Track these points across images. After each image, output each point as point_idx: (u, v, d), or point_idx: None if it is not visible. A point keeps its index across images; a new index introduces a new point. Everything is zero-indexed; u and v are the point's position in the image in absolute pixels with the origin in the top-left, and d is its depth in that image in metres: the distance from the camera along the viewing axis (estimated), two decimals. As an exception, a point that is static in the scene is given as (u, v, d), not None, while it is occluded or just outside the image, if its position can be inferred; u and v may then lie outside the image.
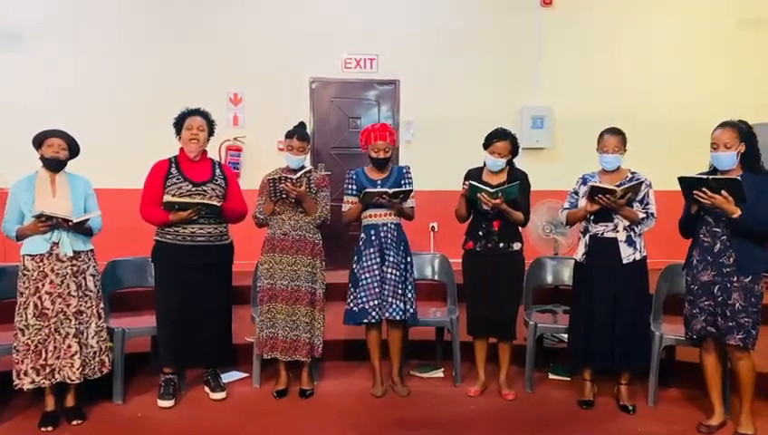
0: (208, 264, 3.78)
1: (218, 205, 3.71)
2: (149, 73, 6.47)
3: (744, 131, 3.31)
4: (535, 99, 6.86)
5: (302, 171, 3.82)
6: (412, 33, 6.81)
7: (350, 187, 4.00)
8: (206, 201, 3.68)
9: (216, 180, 3.84)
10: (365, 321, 3.92)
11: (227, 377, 4.20)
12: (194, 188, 3.74)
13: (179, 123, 3.82)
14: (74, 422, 3.54)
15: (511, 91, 6.86)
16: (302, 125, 4.03)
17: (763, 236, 3.27)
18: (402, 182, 3.96)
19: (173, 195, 3.67)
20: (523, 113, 6.82)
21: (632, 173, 3.72)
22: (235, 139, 6.59)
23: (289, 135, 3.94)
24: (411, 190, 3.88)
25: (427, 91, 6.78)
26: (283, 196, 3.82)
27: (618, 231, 3.65)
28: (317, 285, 3.95)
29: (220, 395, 3.93)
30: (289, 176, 3.78)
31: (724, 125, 3.35)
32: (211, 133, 3.88)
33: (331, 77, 6.78)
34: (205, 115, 3.85)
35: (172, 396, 3.83)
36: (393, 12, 6.81)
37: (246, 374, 4.27)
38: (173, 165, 3.80)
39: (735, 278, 3.30)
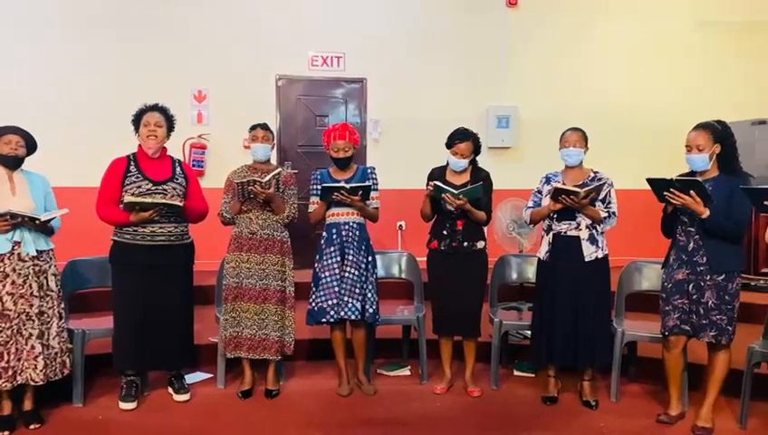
0: (168, 264, 3.71)
1: (180, 205, 3.65)
2: (109, 69, 6.33)
3: (719, 132, 3.35)
4: (501, 99, 6.92)
5: (271, 175, 3.78)
6: (379, 31, 6.80)
7: (314, 187, 3.98)
8: (168, 201, 3.61)
9: (177, 179, 3.77)
10: (323, 320, 3.90)
11: (191, 378, 4.14)
12: (154, 187, 3.67)
13: (137, 120, 3.75)
14: (32, 426, 3.45)
15: (477, 90, 6.90)
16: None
17: (735, 235, 3.34)
18: (366, 182, 3.95)
19: (132, 194, 3.61)
20: (489, 113, 6.88)
21: (594, 172, 3.78)
22: (199, 136, 6.50)
23: (252, 128, 3.97)
24: (370, 186, 3.86)
25: (394, 89, 6.78)
26: (251, 196, 3.79)
27: (580, 229, 3.71)
28: (287, 283, 3.93)
29: (184, 396, 3.87)
30: (258, 178, 3.74)
31: (698, 127, 3.39)
32: (171, 129, 3.82)
33: (297, 75, 6.74)
34: (163, 111, 3.78)
35: (134, 398, 3.76)
36: (360, 10, 6.79)
37: (211, 375, 4.22)
38: (132, 163, 3.72)
39: (709, 277, 3.36)
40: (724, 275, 3.35)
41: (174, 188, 3.72)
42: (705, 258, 3.37)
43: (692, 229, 3.41)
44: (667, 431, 3.51)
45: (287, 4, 6.66)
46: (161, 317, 3.70)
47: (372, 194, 3.91)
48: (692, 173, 3.45)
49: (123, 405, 3.72)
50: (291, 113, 6.74)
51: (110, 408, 3.73)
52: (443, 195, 3.76)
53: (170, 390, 3.93)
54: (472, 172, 3.96)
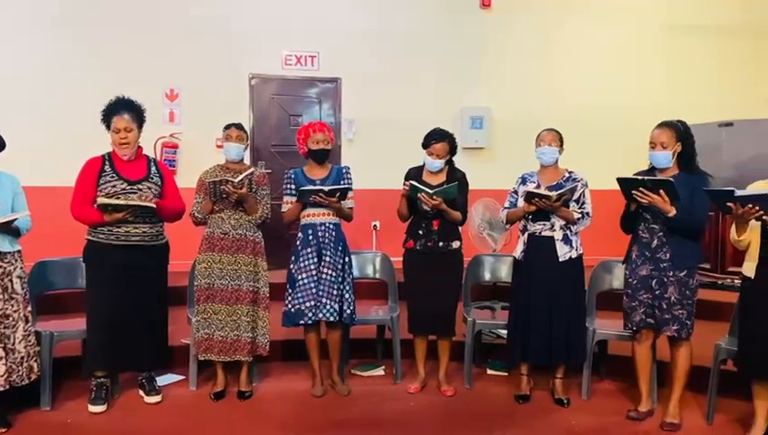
0: (143, 264, 3.66)
1: (153, 206, 3.60)
2: (80, 66, 6.22)
3: (680, 131, 3.46)
4: (475, 99, 6.97)
5: (244, 174, 3.75)
6: (354, 31, 6.79)
7: (288, 186, 3.96)
8: (141, 203, 3.56)
9: (152, 178, 3.72)
10: (301, 322, 3.89)
11: (163, 380, 4.09)
12: (128, 187, 3.62)
13: (107, 119, 3.68)
14: (-2, 431, 3.38)
15: (451, 91, 6.94)
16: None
17: (696, 232, 3.44)
18: (342, 182, 3.94)
19: (106, 194, 3.55)
20: (463, 114, 6.91)
21: (569, 172, 3.83)
22: (170, 135, 6.42)
23: (226, 127, 3.93)
24: (348, 188, 3.86)
25: (368, 89, 6.78)
26: (224, 196, 3.75)
27: (554, 230, 3.75)
28: (260, 284, 3.90)
29: (155, 399, 3.82)
30: (230, 178, 3.70)
31: (661, 125, 3.49)
32: (141, 124, 3.74)
33: (271, 74, 6.70)
34: (131, 109, 3.70)
35: (104, 401, 3.70)
36: (335, 10, 6.78)
37: (183, 377, 4.17)
38: (106, 162, 3.67)
39: (671, 273, 3.45)
40: (685, 271, 3.44)
41: (149, 188, 3.67)
42: (668, 255, 3.45)
43: (655, 226, 3.48)
44: (636, 428, 3.57)
45: (261, 3, 6.62)
46: (135, 318, 3.65)
47: (348, 194, 3.91)
48: (651, 170, 3.53)
49: (92, 408, 3.65)
50: (264, 113, 6.70)
51: (79, 411, 3.66)
52: (419, 194, 3.78)
53: (141, 392, 3.87)
54: (448, 172, 3.98)
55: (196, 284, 3.90)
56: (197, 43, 6.45)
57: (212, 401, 3.88)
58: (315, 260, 3.89)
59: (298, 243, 3.95)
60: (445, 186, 3.85)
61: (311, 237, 3.91)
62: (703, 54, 7.24)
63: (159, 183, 3.75)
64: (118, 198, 3.55)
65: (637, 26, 7.23)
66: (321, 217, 3.92)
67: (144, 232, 3.66)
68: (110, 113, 3.68)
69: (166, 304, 3.89)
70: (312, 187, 3.82)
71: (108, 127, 3.70)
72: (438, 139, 3.90)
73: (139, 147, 3.76)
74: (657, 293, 3.49)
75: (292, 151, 6.55)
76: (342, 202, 3.87)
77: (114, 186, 3.60)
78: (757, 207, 2.99)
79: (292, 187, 3.94)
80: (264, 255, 3.95)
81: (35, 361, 3.51)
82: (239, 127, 3.94)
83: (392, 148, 6.33)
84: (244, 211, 3.84)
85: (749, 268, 3.21)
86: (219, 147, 3.85)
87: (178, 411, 3.74)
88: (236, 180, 3.68)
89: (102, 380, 3.75)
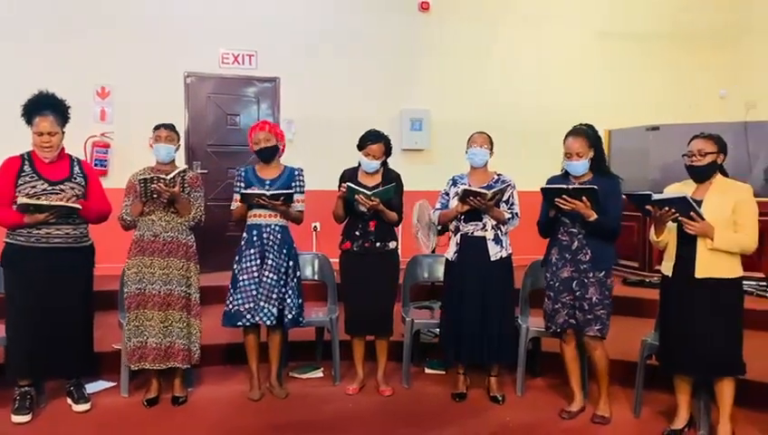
0: (66, 267, 3.54)
1: (78, 207, 3.48)
2: (6, 64, 5.94)
3: (592, 138, 3.58)
4: (414, 101, 7.03)
5: (176, 171, 3.65)
6: (293, 30, 6.75)
7: (238, 184, 3.92)
8: (65, 204, 3.43)
9: (75, 178, 3.60)
10: (239, 324, 3.84)
11: (93, 387, 3.95)
12: (50, 187, 3.49)
13: (28, 116, 3.54)
14: None
15: (391, 93, 6.99)
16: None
17: (612, 234, 3.56)
18: (292, 184, 3.90)
19: (27, 195, 3.41)
20: (403, 115, 6.97)
21: (498, 175, 3.91)
22: (102, 135, 6.22)
23: (156, 127, 3.83)
24: (292, 193, 3.83)
25: (308, 90, 6.75)
26: (155, 196, 3.65)
27: (486, 230, 3.82)
28: (192, 290, 3.81)
29: (84, 407, 3.69)
30: (162, 176, 3.61)
31: (574, 134, 3.58)
32: (65, 122, 3.60)
33: (207, 72, 6.57)
34: (56, 109, 3.56)
35: (29, 410, 3.54)
36: (273, 8, 6.71)
37: (114, 383, 4.04)
38: (26, 162, 3.52)
39: (591, 274, 3.56)
40: (604, 272, 3.57)
41: (72, 188, 3.54)
42: (587, 256, 3.56)
43: (574, 230, 3.59)
44: (568, 422, 3.67)
45: (197, 0, 6.48)
46: (57, 323, 3.52)
47: (297, 196, 3.89)
48: (566, 175, 3.64)
49: (16, 418, 3.50)
50: (200, 112, 6.57)
51: (2, 422, 3.49)
52: (356, 196, 3.78)
53: (69, 400, 3.73)
54: (383, 173, 4.00)
55: (126, 290, 3.77)
56: (131, 40, 6.27)
57: (145, 407, 3.77)
58: (258, 262, 3.84)
59: (242, 243, 3.89)
60: (381, 187, 3.87)
61: (255, 239, 3.86)
62: (631, 60, 7.53)
63: (83, 183, 3.63)
64: (38, 199, 3.42)
65: (569, 32, 7.45)
66: (268, 218, 3.87)
67: (67, 234, 3.54)
68: (32, 111, 3.53)
69: (91, 308, 3.76)
70: (253, 191, 3.77)
71: (28, 123, 3.55)
72: (374, 140, 3.92)
73: (61, 147, 3.62)
74: (577, 294, 3.59)
75: (230, 151, 6.49)
76: (292, 205, 3.84)
77: (34, 186, 3.47)
78: (673, 210, 3.13)
79: (242, 184, 3.89)
80: (196, 259, 3.86)
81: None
82: (169, 127, 3.83)
83: (332, 148, 6.29)
84: (175, 213, 3.74)
85: (667, 267, 3.36)
86: (152, 146, 3.75)
87: (109, 420, 3.62)
88: (168, 178, 3.59)
89: (26, 388, 3.59)
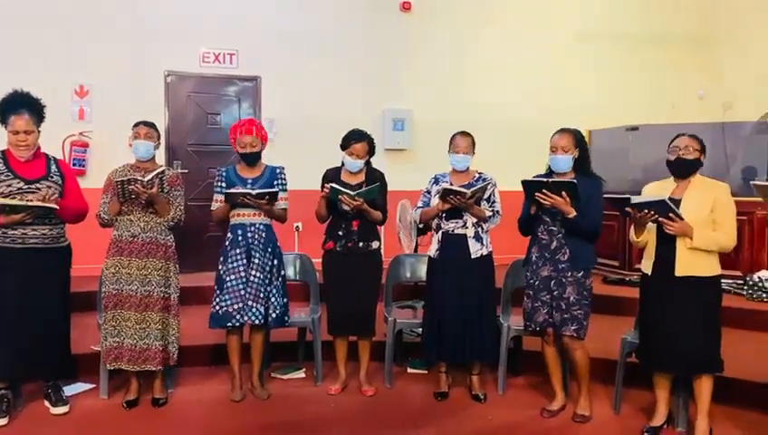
0: (42, 268, 3.48)
1: (55, 207, 3.43)
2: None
3: (578, 138, 3.62)
4: (396, 101, 7.03)
5: (154, 173, 3.61)
6: (275, 29, 6.72)
7: (219, 184, 3.88)
8: (42, 203, 3.38)
9: (52, 177, 3.54)
10: (229, 324, 3.81)
11: (71, 389, 3.90)
12: (26, 186, 3.44)
13: (2, 117, 3.48)
14: None
15: (374, 92, 6.98)
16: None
17: (591, 234, 3.58)
18: (275, 183, 3.88)
19: (1, 194, 3.36)
20: (385, 115, 6.97)
21: (479, 174, 3.93)
22: (80, 134, 6.14)
23: (135, 125, 3.79)
24: (277, 192, 3.81)
25: (290, 89, 6.73)
26: (133, 197, 3.61)
27: (467, 228, 3.84)
28: (171, 290, 3.77)
29: (62, 409, 3.63)
30: (139, 178, 3.56)
31: (562, 131, 3.63)
32: (41, 121, 3.54)
33: (188, 71, 6.52)
34: (32, 108, 3.51)
35: (6, 413, 3.49)
36: (254, 6, 6.68)
37: (93, 385, 3.99)
38: (1, 161, 3.47)
39: (570, 273, 3.58)
40: (582, 272, 3.59)
41: (48, 187, 3.49)
42: (566, 256, 3.58)
43: (554, 228, 3.61)
44: (549, 420, 3.69)
45: (177, -1, 6.45)
46: (34, 324, 3.46)
47: (281, 195, 3.86)
48: (550, 174, 3.66)
49: (-7, 422, 3.45)
50: (181, 111, 6.52)
51: (-22, 426, 3.45)
52: (340, 196, 3.77)
53: (47, 403, 3.67)
54: (367, 173, 4.00)
55: (104, 290, 3.73)
56: (110, 38, 6.21)
57: (124, 409, 3.73)
58: (244, 262, 3.82)
59: (227, 244, 3.86)
60: (364, 186, 3.86)
61: (240, 238, 3.83)
62: (611, 61, 7.61)
63: (60, 182, 3.57)
64: (13, 199, 3.36)
65: (550, 33, 7.50)
66: (251, 217, 3.85)
67: (44, 234, 3.49)
68: (7, 110, 3.47)
69: (68, 309, 3.71)
70: (237, 190, 3.74)
71: (2, 122, 3.50)
72: (358, 139, 3.92)
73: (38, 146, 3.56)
74: (555, 293, 3.61)
75: (210, 151, 6.45)
76: (276, 203, 3.82)
77: (10, 185, 3.41)
78: (652, 212, 3.17)
79: (223, 184, 3.86)
80: (175, 259, 3.82)
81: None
82: (148, 124, 3.79)
83: (314, 148, 6.26)
84: (154, 213, 3.70)
85: (646, 266, 3.39)
86: (131, 145, 3.71)
87: (87, 422, 3.58)
88: (146, 179, 3.55)
89: (3, 391, 3.54)
